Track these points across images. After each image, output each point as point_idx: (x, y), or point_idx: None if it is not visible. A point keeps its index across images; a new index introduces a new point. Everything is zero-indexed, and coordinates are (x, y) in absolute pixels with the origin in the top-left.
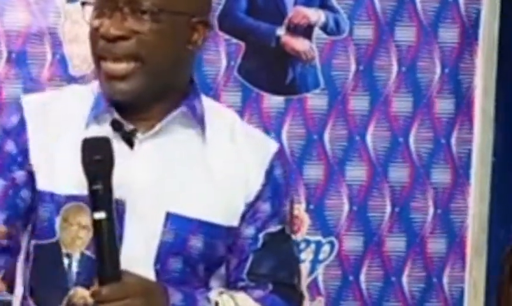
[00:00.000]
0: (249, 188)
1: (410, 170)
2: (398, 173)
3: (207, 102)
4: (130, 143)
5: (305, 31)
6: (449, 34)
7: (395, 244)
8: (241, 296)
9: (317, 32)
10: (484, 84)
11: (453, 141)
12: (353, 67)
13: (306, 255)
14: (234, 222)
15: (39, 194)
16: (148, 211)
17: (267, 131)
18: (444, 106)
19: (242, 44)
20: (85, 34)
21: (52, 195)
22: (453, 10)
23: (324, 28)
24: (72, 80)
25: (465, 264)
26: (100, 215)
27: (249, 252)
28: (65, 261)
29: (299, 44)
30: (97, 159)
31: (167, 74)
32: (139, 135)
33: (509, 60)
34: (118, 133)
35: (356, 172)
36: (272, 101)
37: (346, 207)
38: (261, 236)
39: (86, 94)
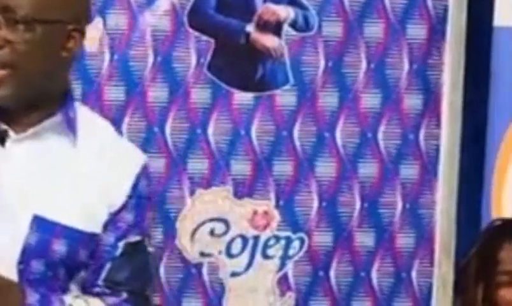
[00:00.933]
0: (115, 198)
1: (379, 166)
2: (367, 169)
3: (82, 111)
4: (3, 143)
5: (275, 28)
6: (417, 31)
7: (364, 239)
8: (94, 301)
9: (286, 28)
10: (452, 80)
11: (421, 136)
12: (322, 63)
13: (276, 252)
14: (97, 229)
15: None
16: (16, 212)
17: (236, 128)
18: (412, 102)
19: (212, 41)
20: None
21: None
22: (421, 7)
23: (293, 25)
24: None
25: (434, 259)
26: None
27: (108, 259)
28: None
29: (268, 40)
30: None
31: (40, 81)
32: (12, 135)
33: (477, 56)
34: None
35: (326, 168)
36: (242, 98)
37: (315, 203)
38: (120, 244)
39: None
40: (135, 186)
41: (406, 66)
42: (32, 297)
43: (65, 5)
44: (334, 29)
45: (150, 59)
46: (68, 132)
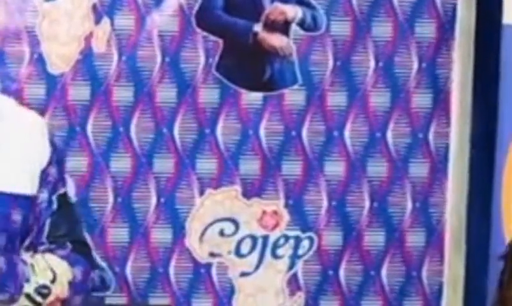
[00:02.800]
0: (41, 156)
1: (388, 165)
2: (377, 168)
3: None
4: None
5: (283, 27)
6: (425, 29)
7: (374, 238)
8: (48, 255)
9: (294, 28)
10: (461, 78)
11: (431, 135)
12: (330, 63)
13: (285, 251)
14: (35, 191)
15: None
16: None
17: (245, 128)
18: (421, 100)
19: (220, 41)
20: (62, 32)
21: None
22: (430, 5)
23: (301, 24)
24: (50, 78)
25: (444, 258)
26: None
27: (47, 216)
28: None
29: (277, 40)
30: None
31: None
32: None
33: (486, 54)
34: None
35: (335, 167)
36: (250, 98)
37: (324, 202)
38: (54, 198)
39: None
40: (52, 141)
41: (415, 65)
42: (0, 259)
43: None
44: (342, 28)
45: (158, 60)
46: None
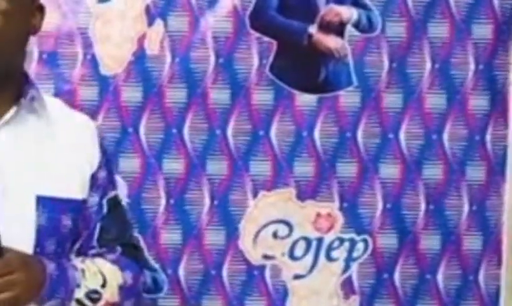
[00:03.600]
0: (91, 160)
1: (444, 167)
2: (432, 170)
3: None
4: None
5: (338, 29)
6: (483, 30)
7: (429, 242)
8: (99, 260)
9: (349, 29)
10: None
11: (488, 137)
12: (386, 64)
13: (340, 254)
14: (85, 195)
15: None
16: (19, 198)
17: (299, 130)
18: (478, 102)
19: (274, 42)
20: (115, 33)
21: None
22: (487, 6)
23: (356, 25)
24: (102, 79)
25: (501, 261)
26: None
27: (98, 220)
28: None
29: (331, 41)
30: None
31: (14, 57)
32: None
33: None
34: None
35: (390, 169)
36: (305, 100)
37: (379, 205)
38: (104, 202)
39: None
40: (101, 144)
41: (472, 66)
42: (49, 267)
43: None
44: (397, 29)
45: (212, 61)
46: (40, 108)
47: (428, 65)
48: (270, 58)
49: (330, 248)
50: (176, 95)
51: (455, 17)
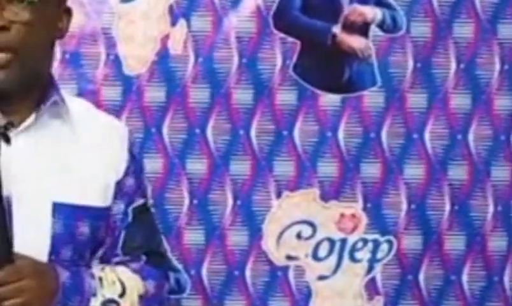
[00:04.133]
0: (118, 166)
1: (469, 168)
2: (458, 171)
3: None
4: (6, 137)
5: (362, 28)
6: (508, 30)
7: (454, 242)
8: (120, 268)
9: (373, 29)
10: None
11: None
12: (410, 64)
13: (364, 254)
14: (108, 202)
15: None
16: (34, 204)
17: (323, 130)
18: (503, 102)
19: (298, 42)
20: (139, 33)
21: None
22: None
23: (381, 25)
24: (126, 79)
25: None
26: None
27: (122, 227)
28: None
29: (355, 41)
30: None
31: (39, 64)
32: (13, 129)
33: None
34: None
35: (415, 170)
36: (329, 100)
37: (404, 205)
38: (130, 210)
39: None
40: (131, 150)
41: (497, 66)
42: (63, 275)
43: None
44: (422, 29)
45: (235, 61)
46: (62, 113)
47: (453, 65)
48: (294, 59)
49: (354, 249)
50: (199, 95)
51: (480, 17)
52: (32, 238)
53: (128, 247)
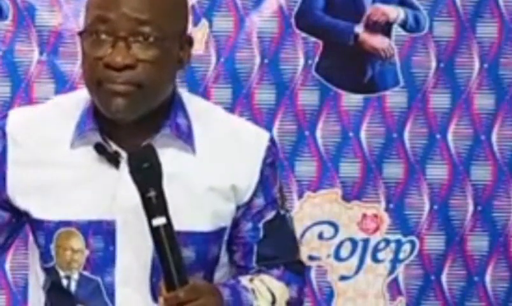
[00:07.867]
0: (242, 189)
1: (492, 168)
2: (481, 172)
3: (194, 104)
4: (116, 163)
5: (384, 28)
6: None
7: (477, 243)
8: (266, 277)
9: (396, 29)
10: None
11: None
12: (433, 64)
13: (386, 255)
14: (223, 223)
15: (35, 222)
16: (138, 229)
17: (345, 130)
18: None
19: (320, 42)
20: None
21: (43, 222)
22: None
23: (403, 25)
24: None
25: None
26: (159, 221)
27: (253, 243)
28: (64, 282)
29: (378, 41)
30: (145, 167)
31: (160, 97)
32: (124, 155)
33: None
34: (103, 156)
35: (437, 170)
36: (351, 100)
37: (426, 206)
38: (260, 226)
39: (69, 110)
40: (262, 171)
41: None
42: (225, 292)
43: (180, 15)
44: (445, 29)
45: (257, 61)
46: (179, 140)
47: (477, 65)
48: (316, 58)
49: (376, 250)
50: (221, 95)
51: (503, 17)
52: (133, 261)
53: (264, 259)
